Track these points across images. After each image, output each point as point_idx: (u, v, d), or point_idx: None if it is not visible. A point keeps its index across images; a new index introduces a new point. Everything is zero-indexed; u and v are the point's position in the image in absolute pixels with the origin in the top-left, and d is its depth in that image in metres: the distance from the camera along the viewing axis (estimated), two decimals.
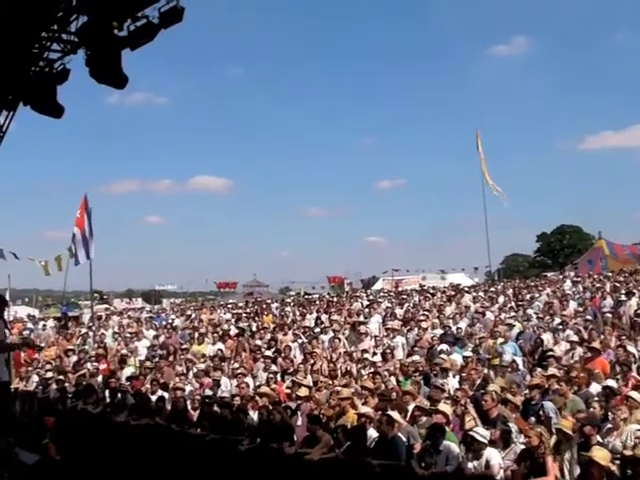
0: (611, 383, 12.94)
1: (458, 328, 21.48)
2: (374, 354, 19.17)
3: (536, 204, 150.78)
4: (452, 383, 14.93)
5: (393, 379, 15.85)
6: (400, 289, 44.90)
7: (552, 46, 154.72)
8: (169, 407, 15.99)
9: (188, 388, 17.50)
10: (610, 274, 36.99)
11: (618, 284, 29.16)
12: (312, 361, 18.65)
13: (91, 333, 28.85)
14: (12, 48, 14.45)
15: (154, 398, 16.65)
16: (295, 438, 13.02)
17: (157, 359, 21.96)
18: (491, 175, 47.45)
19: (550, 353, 16.51)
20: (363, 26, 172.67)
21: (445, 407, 12.14)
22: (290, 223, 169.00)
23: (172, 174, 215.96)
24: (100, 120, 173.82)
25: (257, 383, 17.43)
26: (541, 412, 11.98)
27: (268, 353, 20.41)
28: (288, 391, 15.74)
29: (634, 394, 11.95)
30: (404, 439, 11.33)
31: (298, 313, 30.85)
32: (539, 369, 15.17)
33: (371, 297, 35.89)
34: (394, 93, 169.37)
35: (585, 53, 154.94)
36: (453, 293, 32.77)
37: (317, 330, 24.09)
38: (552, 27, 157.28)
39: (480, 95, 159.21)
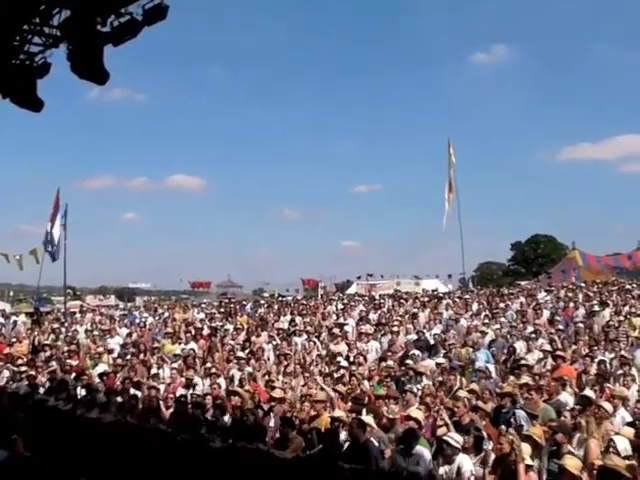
0: (589, 393, 13.01)
1: (434, 334, 21.59)
2: (347, 358, 19.21)
3: (511, 213, 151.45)
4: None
5: (366, 383, 15.88)
6: (374, 294, 44.88)
7: (532, 55, 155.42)
8: (141, 405, 15.95)
9: (161, 387, 17.49)
10: (583, 284, 37.20)
11: (591, 294, 29.34)
12: (285, 363, 18.68)
13: (63, 329, 28.77)
14: None
15: (126, 396, 16.64)
16: (267, 439, 13.04)
17: (129, 357, 21.90)
18: (455, 185, 47.68)
19: (523, 362, 16.59)
20: (343, 31, 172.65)
21: (417, 413, 12.17)
22: (265, 225, 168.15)
23: (148, 172, 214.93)
24: (78, 115, 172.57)
25: (230, 383, 17.42)
26: (512, 420, 12.03)
27: (241, 354, 20.39)
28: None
29: (606, 405, 12.05)
30: (376, 444, 11.38)
31: (272, 314, 30.81)
32: (512, 377, 15.24)
33: (345, 301, 35.91)
34: (373, 98, 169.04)
35: (565, 64, 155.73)
36: (427, 299, 32.86)
37: (290, 332, 24.12)
38: (532, 36, 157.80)
39: (459, 103, 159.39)
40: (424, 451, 10.78)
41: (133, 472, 13.61)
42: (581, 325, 22.11)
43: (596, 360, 16.56)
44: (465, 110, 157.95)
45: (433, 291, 39.47)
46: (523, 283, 52.56)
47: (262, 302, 39.01)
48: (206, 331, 25.74)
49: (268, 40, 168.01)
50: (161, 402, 16.11)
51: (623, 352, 17.46)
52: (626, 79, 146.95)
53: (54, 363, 21.63)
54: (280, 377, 17.22)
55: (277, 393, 14.71)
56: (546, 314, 24.69)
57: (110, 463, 13.96)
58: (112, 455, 14.25)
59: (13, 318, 35.78)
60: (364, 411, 13.20)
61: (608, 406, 12.02)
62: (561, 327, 21.88)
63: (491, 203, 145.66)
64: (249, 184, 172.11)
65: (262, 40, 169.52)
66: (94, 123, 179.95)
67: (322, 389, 14.81)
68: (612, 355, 17.45)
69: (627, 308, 25.06)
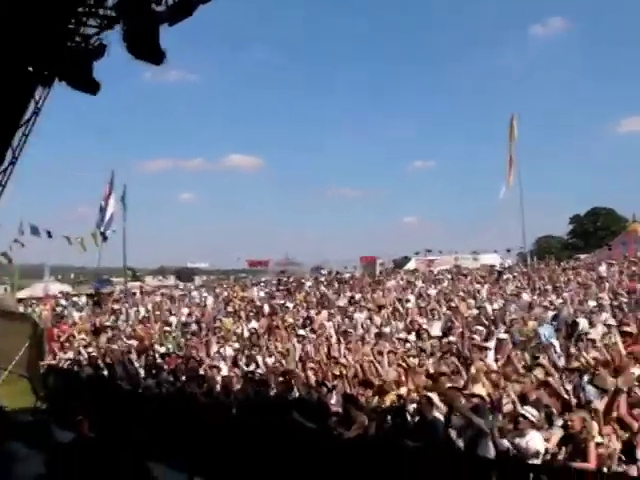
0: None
1: (494, 310, 21.35)
2: (410, 332, 19.03)
3: (571, 186, 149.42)
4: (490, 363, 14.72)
5: (430, 360, 15.67)
6: (432, 269, 44.52)
7: (589, 27, 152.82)
8: (206, 384, 15.98)
9: (222, 365, 17.52)
10: None
11: None
12: (347, 340, 18.55)
13: (124, 310, 29.03)
14: (49, 24, 14.40)
15: (192, 374, 16.74)
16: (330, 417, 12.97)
17: (190, 336, 22.01)
18: (516, 160, 46.69)
19: (588, 337, 16.27)
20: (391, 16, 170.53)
21: (481, 390, 11.99)
22: (323, 203, 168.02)
23: (205, 153, 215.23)
24: (133, 97, 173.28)
25: (293, 361, 17.32)
26: (581, 395, 11.80)
27: (302, 332, 20.35)
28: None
29: None
30: (442, 420, 11.25)
31: (332, 292, 30.68)
32: (578, 352, 14.93)
33: (405, 277, 35.69)
34: (427, 76, 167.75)
35: (622, 35, 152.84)
36: (487, 274, 32.56)
37: (351, 309, 24.00)
38: (588, 7, 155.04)
39: (516, 77, 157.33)
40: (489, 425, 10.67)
41: (199, 449, 13.70)
42: None
43: None
44: (523, 84, 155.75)
45: (491, 266, 39.06)
46: (583, 257, 51.91)
47: (322, 279, 38.97)
48: (267, 309, 25.78)
49: (318, 21, 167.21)
50: (225, 380, 16.10)
51: None
52: None
53: (116, 344, 21.77)
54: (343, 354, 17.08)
55: (338, 370, 14.59)
56: (608, 287, 24.24)
57: (176, 442, 14.08)
58: (178, 433, 14.38)
59: (74, 299, 36.27)
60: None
61: None
62: (625, 300, 21.43)
63: (549, 177, 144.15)
64: (308, 163, 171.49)
65: (312, 21, 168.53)
66: (150, 105, 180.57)
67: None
68: None
69: None
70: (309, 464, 11.82)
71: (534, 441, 9.93)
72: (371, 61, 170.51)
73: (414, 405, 12.17)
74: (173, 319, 25.29)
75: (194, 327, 23.76)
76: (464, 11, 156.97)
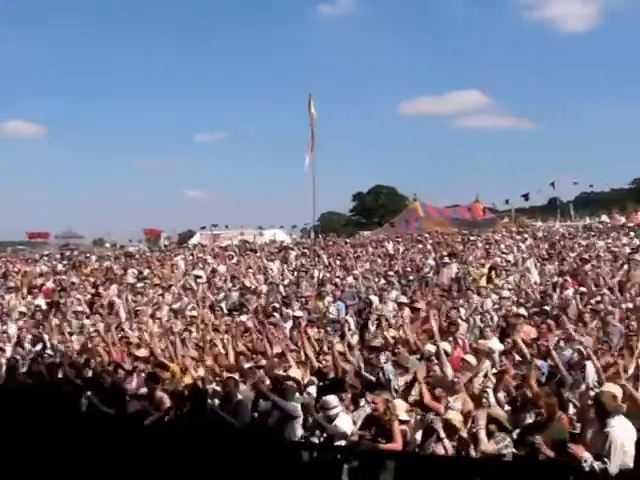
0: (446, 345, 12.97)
1: (285, 286, 21.48)
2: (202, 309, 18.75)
3: (353, 164, 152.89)
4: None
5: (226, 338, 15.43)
6: (219, 244, 44.28)
7: (377, 7, 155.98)
8: None
9: (6, 346, 16.67)
10: (427, 235, 37.70)
11: (437, 245, 29.72)
12: (138, 318, 18.05)
13: None
14: None
15: None
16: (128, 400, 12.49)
17: None
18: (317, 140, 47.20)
19: (378, 314, 16.51)
20: None
21: (296, 372, 11.85)
22: (107, 173, 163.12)
23: None
24: None
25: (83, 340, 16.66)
26: (381, 375, 11.91)
27: (80, 308, 19.71)
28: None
29: (469, 357, 12.07)
30: (247, 403, 11.07)
31: (118, 267, 29.83)
32: (377, 330, 15.13)
33: (193, 252, 35.25)
34: (214, 46, 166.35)
35: (406, 16, 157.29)
36: (277, 250, 32.73)
37: (140, 285, 23.40)
38: None
39: (305, 54, 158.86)
40: (297, 408, 10.60)
41: None
42: (430, 275, 22.33)
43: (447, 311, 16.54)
44: (312, 62, 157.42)
45: (281, 242, 39.43)
46: (366, 233, 53.18)
47: (108, 254, 37.94)
48: (51, 285, 24.82)
49: None
50: (10, 362, 15.29)
51: (475, 302, 17.54)
52: (466, 34, 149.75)
53: None
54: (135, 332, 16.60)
55: (141, 353, 14.10)
56: (398, 265, 24.84)
57: None
58: None
59: None
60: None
61: (471, 359, 12.02)
62: (412, 278, 21.99)
63: (334, 155, 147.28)
64: (92, 132, 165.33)
65: None
66: None
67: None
68: (465, 305, 17.48)
69: (472, 259, 25.37)
70: (109, 450, 11.38)
71: (342, 423, 9.93)
72: (169, 34, 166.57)
73: (214, 386, 12.01)
74: None
75: None
76: None
